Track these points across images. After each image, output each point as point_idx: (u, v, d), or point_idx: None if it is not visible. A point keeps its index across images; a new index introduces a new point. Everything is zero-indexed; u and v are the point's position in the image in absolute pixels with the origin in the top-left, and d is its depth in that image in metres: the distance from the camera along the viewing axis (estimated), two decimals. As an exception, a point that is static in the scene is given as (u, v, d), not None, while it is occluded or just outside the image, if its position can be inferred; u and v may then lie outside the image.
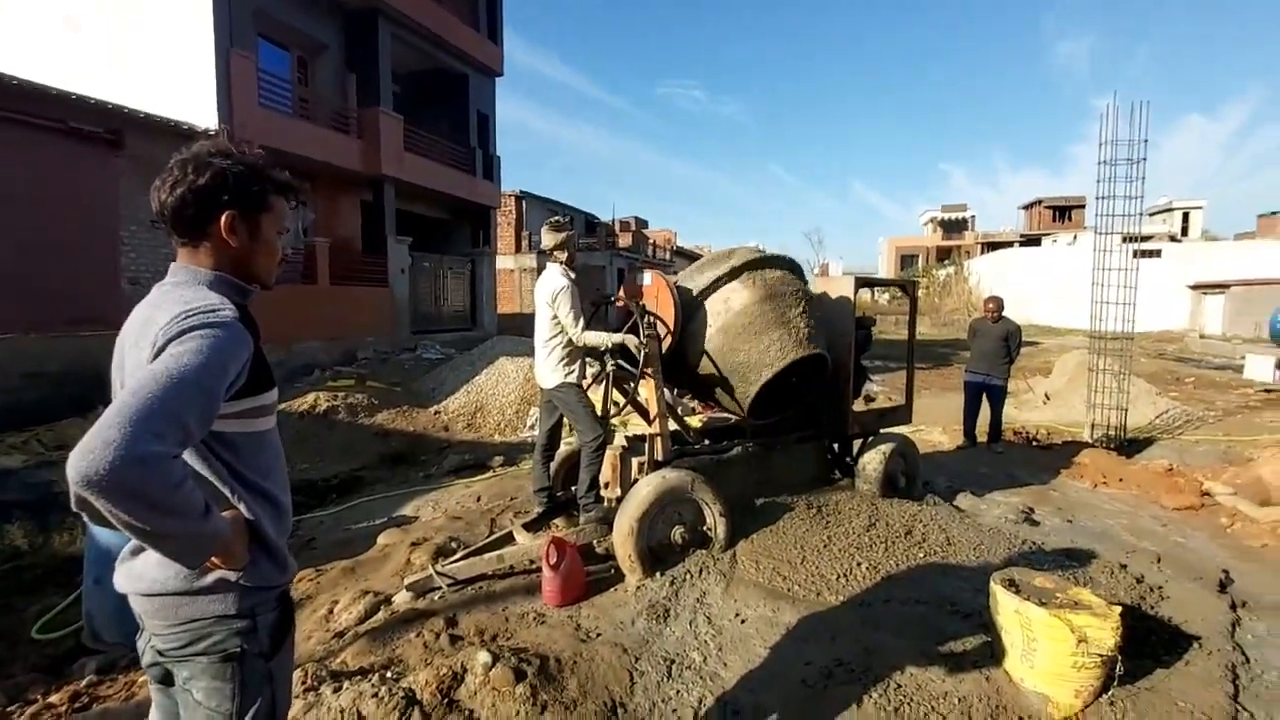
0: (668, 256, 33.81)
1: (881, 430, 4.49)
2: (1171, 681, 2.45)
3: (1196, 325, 24.07)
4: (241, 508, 1.17)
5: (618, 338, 3.44)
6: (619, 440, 3.89)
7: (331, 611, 3.13)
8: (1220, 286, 23.17)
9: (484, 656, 2.44)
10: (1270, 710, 2.38)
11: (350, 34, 12.29)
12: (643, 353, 3.39)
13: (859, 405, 4.53)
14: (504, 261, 20.92)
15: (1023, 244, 38.24)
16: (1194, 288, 24.77)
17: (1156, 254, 26.46)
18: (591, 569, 3.30)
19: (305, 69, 12.12)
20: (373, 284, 12.41)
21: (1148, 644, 2.65)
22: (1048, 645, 2.25)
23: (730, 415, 4.62)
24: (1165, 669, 2.52)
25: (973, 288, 32.24)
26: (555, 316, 3.49)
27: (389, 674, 2.45)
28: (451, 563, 3.29)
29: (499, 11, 16.40)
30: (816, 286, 4.39)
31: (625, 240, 29.77)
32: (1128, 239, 6.96)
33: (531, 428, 5.64)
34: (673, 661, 2.59)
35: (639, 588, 3.10)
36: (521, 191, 24.07)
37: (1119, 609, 2.33)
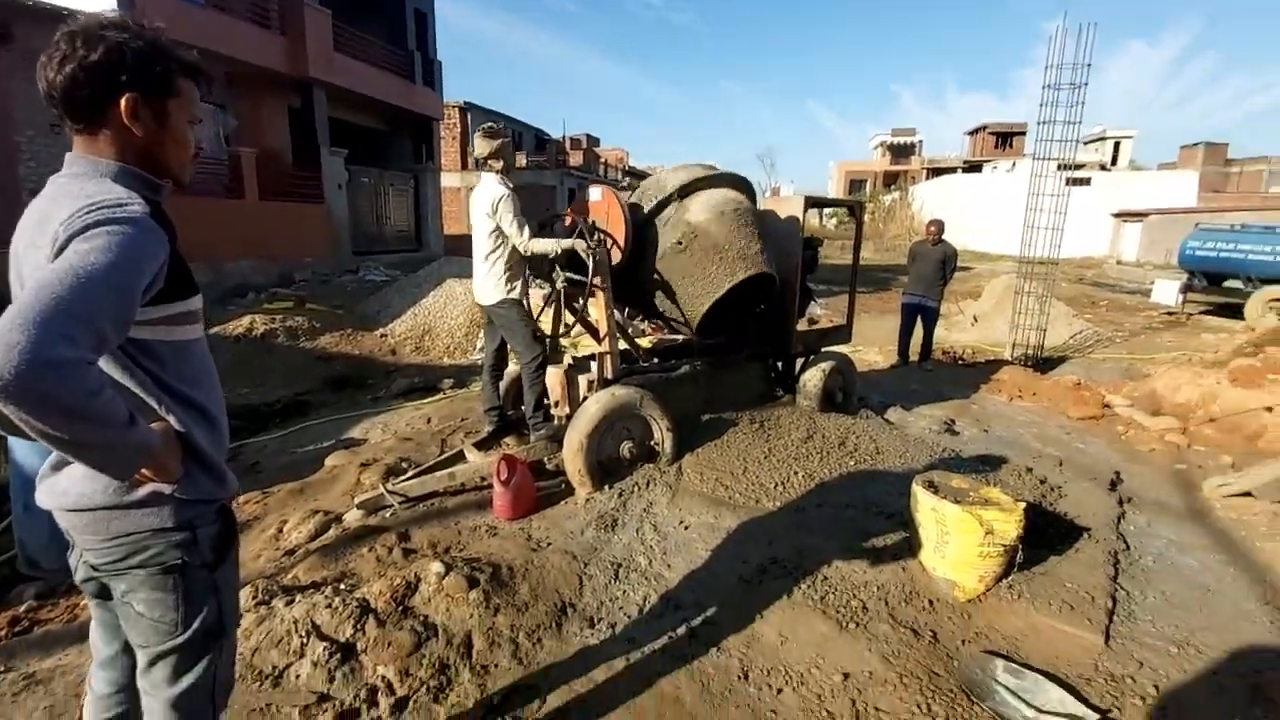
0: (620, 177, 32.85)
1: (822, 349, 4.66)
2: (1062, 567, 2.77)
3: (1115, 252, 25.39)
4: (171, 419, 1.12)
5: (567, 243, 3.37)
6: (566, 359, 3.92)
7: (280, 531, 3.14)
8: (1139, 215, 24.32)
9: (437, 566, 2.52)
10: (1143, 588, 2.74)
11: (260, -90, 10.89)
12: (592, 260, 3.34)
13: (802, 325, 4.66)
14: (449, 179, 19.90)
15: (966, 170, 38.83)
16: (1116, 216, 25.92)
17: (1087, 182, 27.38)
18: (542, 484, 3.39)
19: (211, -49, 10.75)
20: (307, 200, 11.64)
21: (1045, 535, 2.96)
22: (959, 538, 2.50)
23: (680, 336, 4.69)
24: (1058, 556, 2.84)
25: (915, 214, 32.82)
26: (496, 229, 3.39)
27: (342, 586, 2.51)
28: (402, 481, 3.32)
29: (431, -108, 14.78)
30: (768, 207, 4.40)
31: (576, 159, 28.65)
32: (1063, 166, 7.18)
33: (481, 350, 5.59)
34: (620, 565, 2.74)
35: (588, 500, 3.22)
36: (466, 103, 22.62)
37: (1023, 505, 2.58)
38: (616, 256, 3.55)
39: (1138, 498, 3.71)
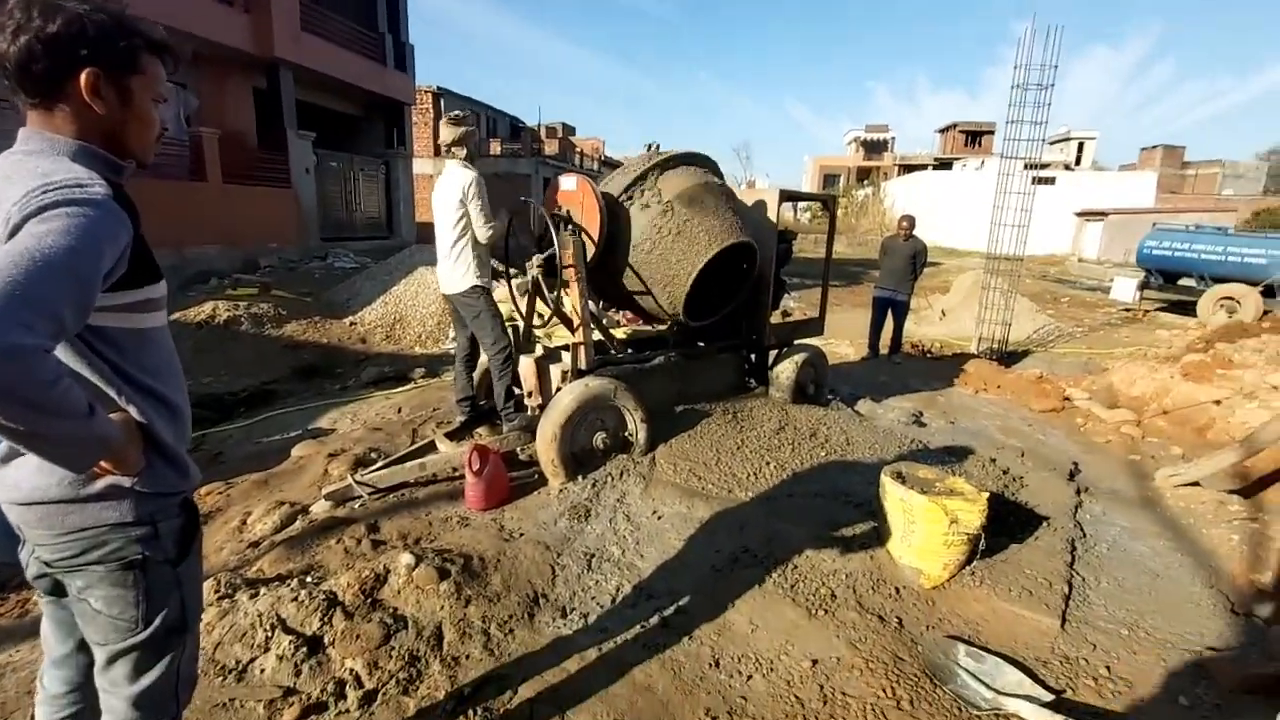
0: (596, 166, 32.61)
1: (795, 342, 4.71)
2: (1022, 554, 2.86)
3: (1077, 250, 26.17)
4: (131, 410, 1.08)
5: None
6: (538, 349, 3.89)
7: (244, 523, 3.07)
8: (1101, 214, 25.08)
9: (407, 558, 2.49)
10: (1098, 574, 2.84)
11: (222, -120, 10.46)
12: (560, 253, 3.34)
13: (775, 318, 4.70)
14: (422, 165, 19.49)
15: (936, 168, 39.51)
16: (1078, 214, 26.69)
17: (1052, 181, 28.11)
18: (515, 475, 3.37)
19: (168, -80, 10.29)
20: (273, 184, 11.30)
21: (1007, 524, 3.05)
22: (924, 527, 2.56)
23: (655, 327, 4.70)
24: (1019, 544, 2.93)
25: (887, 209, 33.34)
26: (462, 216, 3.35)
27: (309, 579, 2.47)
28: (371, 472, 3.27)
29: None
30: (742, 198, 4.41)
31: (552, 147, 28.34)
32: (1029, 165, 7.35)
33: (453, 339, 5.51)
34: (593, 556, 2.75)
35: (561, 490, 3.21)
36: (439, 88, 22.17)
37: (986, 495, 2.66)
38: (591, 248, 3.53)
39: (1094, 487, 3.85)
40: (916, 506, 2.58)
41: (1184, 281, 12.08)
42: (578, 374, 3.50)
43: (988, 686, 2.06)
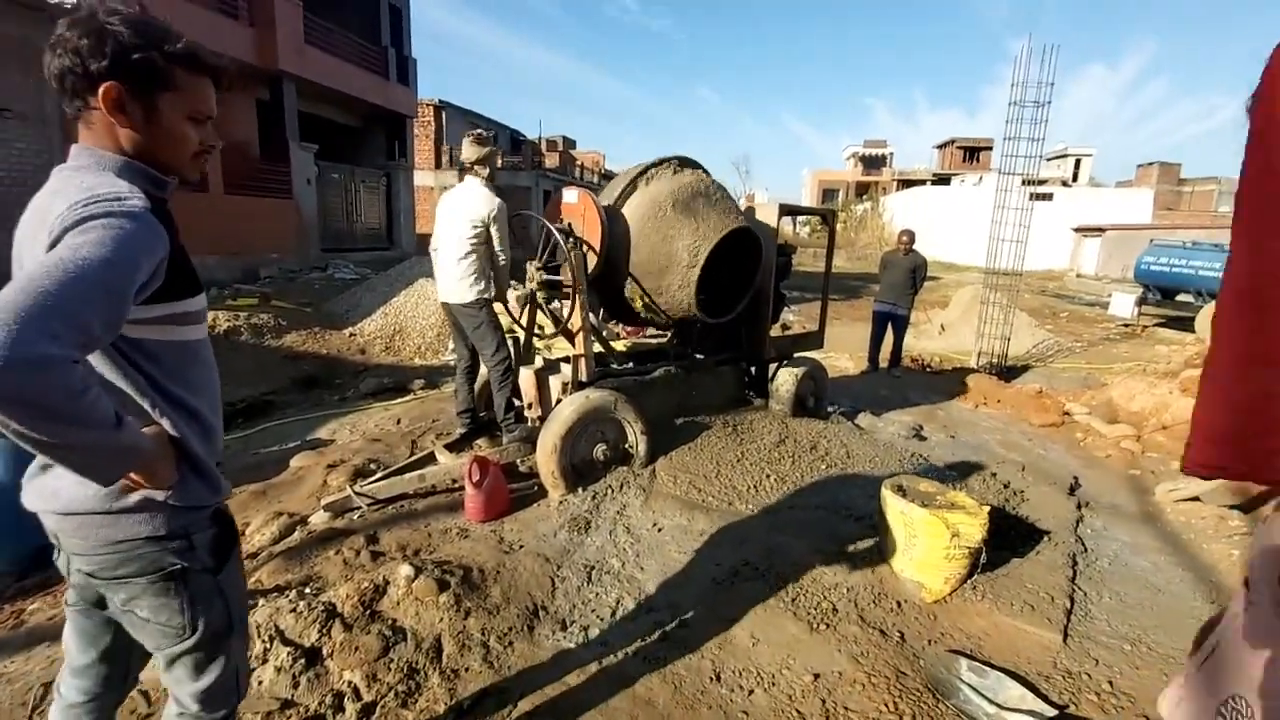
0: (596, 179, 32.84)
1: (795, 355, 4.72)
2: (1024, 568, 2.85)
3: (1075, 265, 26.30)
4: (165, 423, 1.08)
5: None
6: (537, 360, 3.90)
7: (243, 533, 3.05)
8: (1098, 230, 25.24)
9: (406, 569, 2.48)
10: (1099, 589, 2.83)
11: (230, -102, 10.63)
12: (564, 265, 3.38)
13: (775, 331, 4.72)
14: (423, 178, 19.62)
15: (934, 183, 39.83)
16: (1076, 230, 26.87)
17: (1049, 197, 28.31)
18: (514, 486, 3.36)
19: (176, -64, 10.44)
20: (275, 195, 11.37)
21: (1008, 538, 3.04)
22: (925, 540, 2.55)
23: (656, 341, 4.71)
24: (1020, 558, 2.92)
25: (886, 224, 33.54)
26: (478, 234, 3.38)
27: (307, 590, 2.45)
28: (371, 483, 3.26)
29: (408, -113, 14.62)
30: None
31: (552, 160, 28.57)
32: (1027, 181, 7.42)
33: (453, 350, 5.52)
34: (593, 568, 2.73)
35: (561, 502, 3.21)
36: (441, 101, 22.32)
37: (987, 509, 2.65)
38: (592, 260, 3.55)
39: (1095, 502, 3.84)
40: (917, 520, 2.57)
41: (1182, 297, 12.17)
42: (578, 386, 3.50)
43: (990, 701, 2.04)
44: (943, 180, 40.93)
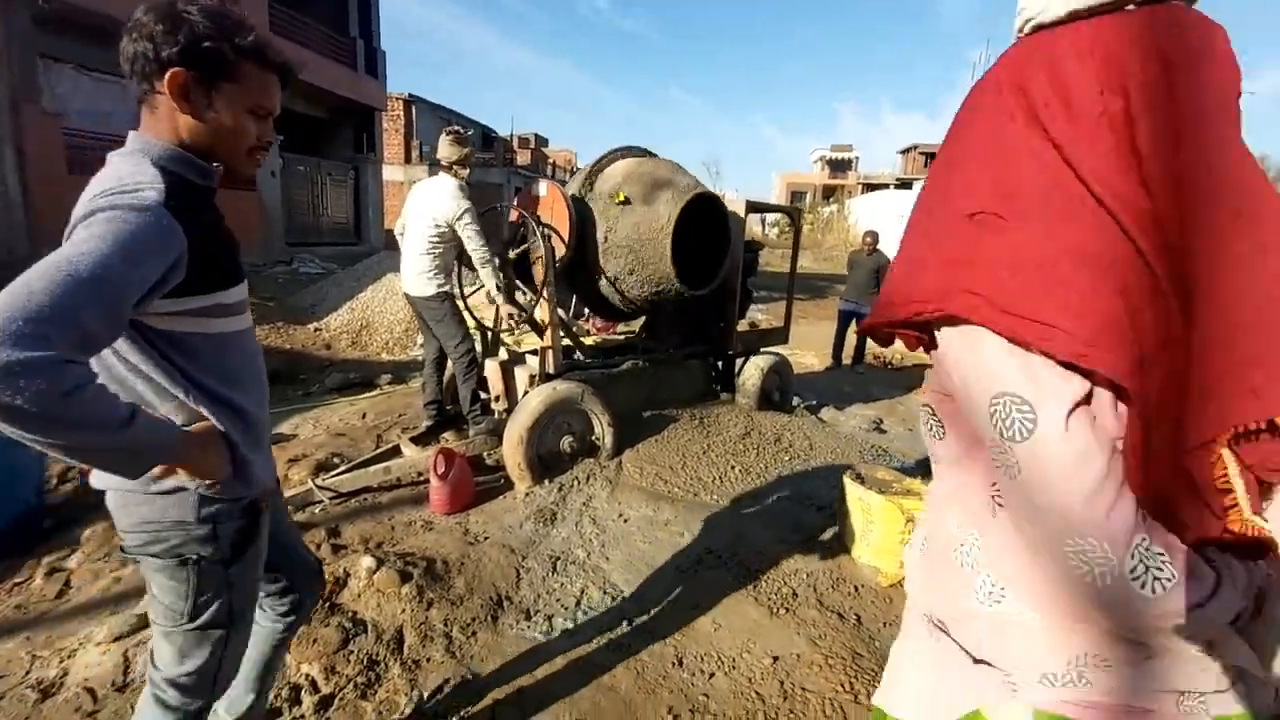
0: (567, 177, 32.72)
1: (761, 350, 4.79)
2: (975, 554, 2.94)
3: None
4: (202, 412, 1.09)
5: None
6: (502, 352, 3.89)
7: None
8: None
9: (368, 561, 2.46)
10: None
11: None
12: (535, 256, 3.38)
13: (742, 326, 4.78)
14: (391, 172, 19.28)
15: (898, 187, 40.65)
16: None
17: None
18: (481, 479, 3.35)
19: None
20: (236, 187, 11.05)
21: (961, 526, 3.14)
22: (882, 526, 2.63)
23: (625, 335, 4.73)
24: (972, 545, 3.02)
25: (851, 226, 34.11)
26: (441, 232, 3.37)
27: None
28: (334, 476, 3.21)
29: (377, -124, 14.36)
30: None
31: (524, 158, 28.39)
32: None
33: (422, 345, 5.45)
34: (558, 558, 2.75)
35: (528, 494, 3.21)
36: (411, 95, 21.95)
37: (941, 496, 2.74)
38: (561, 250, 3.55)
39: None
40: (875, 506, 2.65)
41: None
42: (546, 378, 3.51)
43: (941, 680, 2.12)
44: (906, 184, 41.80)
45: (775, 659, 2.21)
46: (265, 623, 1.48)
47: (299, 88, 12.63)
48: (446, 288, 3.45)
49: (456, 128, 3.65)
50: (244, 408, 1.15)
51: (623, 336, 4.72)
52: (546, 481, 3.28)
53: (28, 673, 2.03)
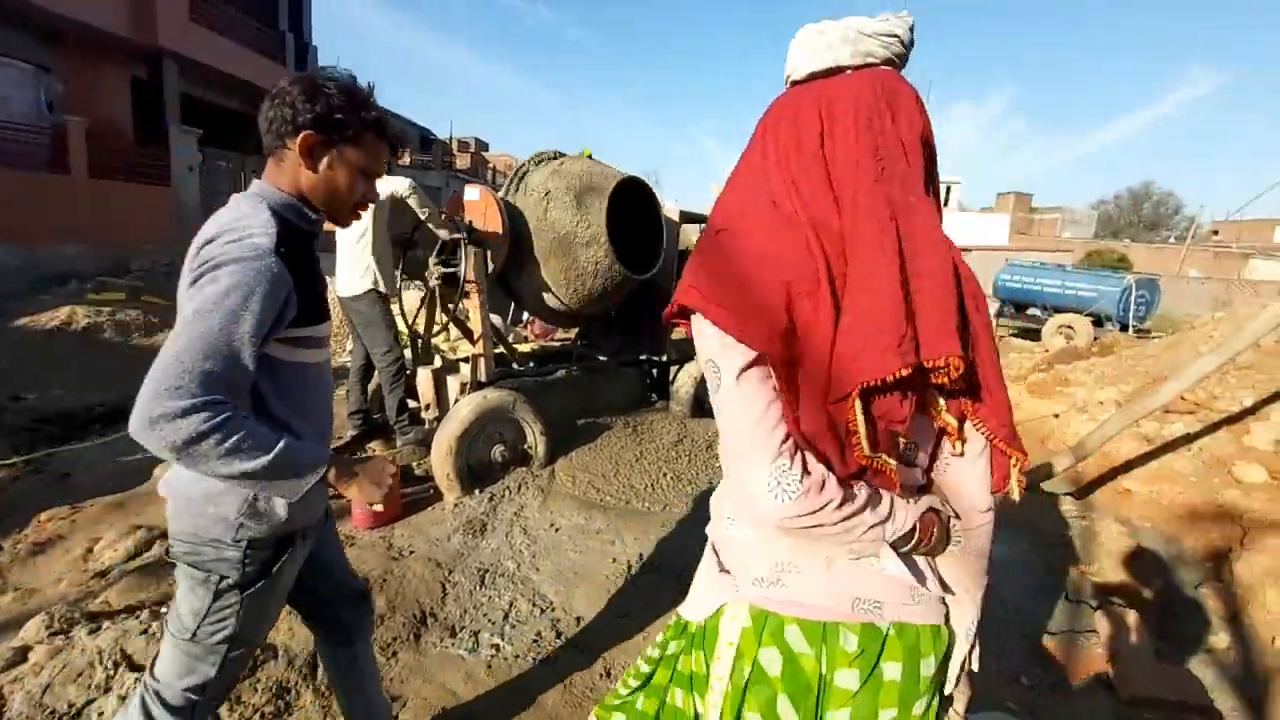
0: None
1: (695, 357, 4.86)
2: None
3: (949, 282, 28.75)
4: None
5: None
6: (436, 360, 3.80)
7: (90, 550, 2.76)
8: (965, 250, 27.70)
9: (281, 580, 2.33)
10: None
11: None
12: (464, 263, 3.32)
13: (677, 333, 4.83)
14: (320, 171, 18.50)
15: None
16: (950, 250, 29.34)
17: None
18: (408, 490, 3.25)
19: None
20: (150, 181, 10.36)
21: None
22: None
23: (561, 342, 4.70)
24: (892, 546, 3.15)
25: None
26: (363, 225, 3.27)
27: (163, 610, 2.26)
28: (246, 491, 3.04)
29: None
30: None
31: (464, 161, 27.85)
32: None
33: (350, 351, 5.24)
34: (487, 571, 2.69)
35: (457, 505, 3.13)
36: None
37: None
38: (494, 260, 3.50)
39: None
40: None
41: (1031, 311, 13.78)
42: (477, 386, 3.44)
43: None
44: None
45: (701, 665, 2.23)
46: (326, 649, 1.60)
47: (223, 80, 11.99)
48: (378, 287, 3.34)
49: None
50: (301, 435, 1.20)
51: (558, 344, 4.69)
52: (477, 492, 3.21)
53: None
